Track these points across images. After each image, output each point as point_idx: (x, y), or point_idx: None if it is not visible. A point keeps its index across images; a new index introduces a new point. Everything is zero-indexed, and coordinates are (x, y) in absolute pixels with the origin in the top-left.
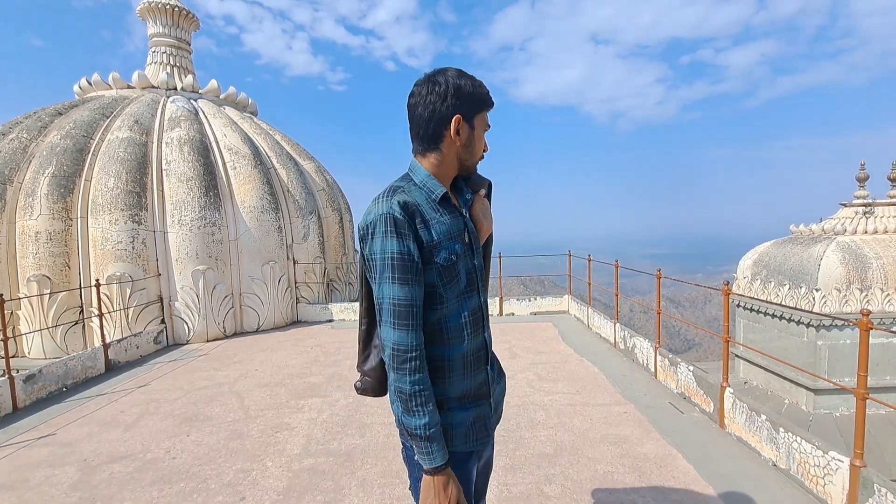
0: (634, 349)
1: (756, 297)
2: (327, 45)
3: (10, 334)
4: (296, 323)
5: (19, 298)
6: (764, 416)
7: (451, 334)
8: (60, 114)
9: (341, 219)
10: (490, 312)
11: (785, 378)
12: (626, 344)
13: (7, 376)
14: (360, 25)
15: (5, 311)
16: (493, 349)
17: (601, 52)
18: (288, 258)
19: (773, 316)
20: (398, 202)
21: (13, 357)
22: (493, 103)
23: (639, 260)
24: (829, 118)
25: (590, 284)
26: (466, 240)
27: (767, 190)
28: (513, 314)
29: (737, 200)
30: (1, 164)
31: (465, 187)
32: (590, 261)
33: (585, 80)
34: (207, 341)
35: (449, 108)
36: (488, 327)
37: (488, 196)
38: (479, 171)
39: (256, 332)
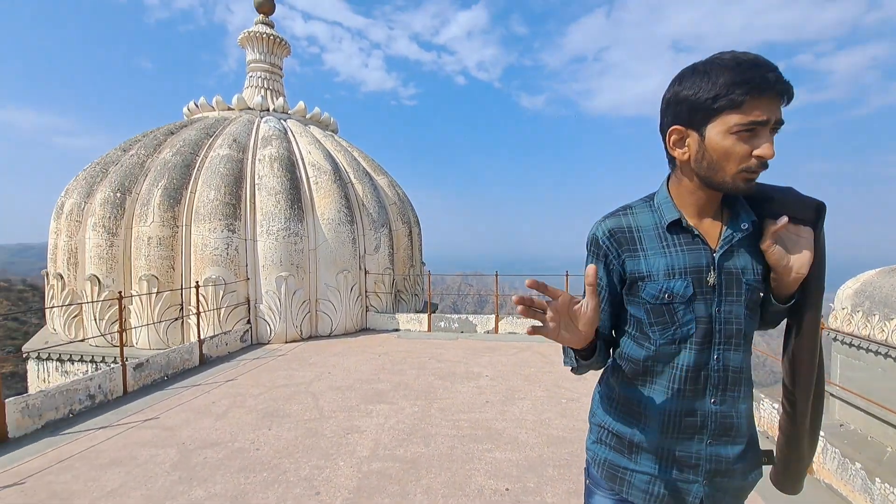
0: None
1: (856, 331)
2: (400, 61)
3: (123, 326)
4: (364, 330)
5: (132, 296)
6: (859, 465)
7: (656, 378)
8: (172, 133)
9: (410, 232)
10: (486, 329)
11: (889, 423)
12: None
13: (120, 364)
14: (432, 41)
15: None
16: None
17: (683, 60)
18: (360, 268)
19: (877, 353)
20: (607, 226)
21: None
22: (742, 100)
23: None
24: None
25: None
26: (710, 280)
27: (877, 209)
28: (514, 333)
29: (840, 220)
30: (122, 177)
31: (747, 212)
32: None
33: (665, 90)
34: (286, 342)
35: (666, 120)
36: (723, 397)
37: (816, 224)
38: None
39: (329, 336)
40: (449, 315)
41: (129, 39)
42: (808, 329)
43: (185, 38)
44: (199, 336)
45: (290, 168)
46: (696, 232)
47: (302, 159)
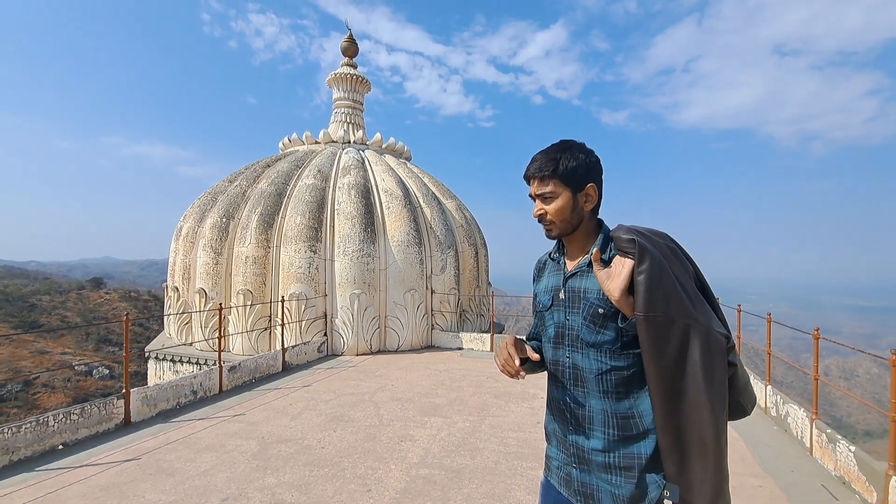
0: (787, 417)
1: None
2: (478, 85)
3: (222, 333)
4: (429, 347)
5: (231, 307)
6: None
7: (549, 372)
8: (268, 165)
9: (476, 253)
10: None
11: None
12: (779, 410)
13: (218, 366)
14: (509, 63)
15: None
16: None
17: (788, 65)
18: (427, 288)
19: None
20: (541, 257)
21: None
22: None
23: (835, 312)
24: None
25: (739, 338)
26: (561, 296)
27: None
28: None
29: None
30: (227, 205)
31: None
32: (739, 311)
33: (766, 98)
34: (357, 355)
35: None
36: (574, 391)
37: (636, 256)
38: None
39: (396, 351)
40: None
41: (238, 79)
42: (651, 378)
43: (284, 76)
44: (282, 345)
45: (366, 194)
46: (562, 262)
47: (376, 186)
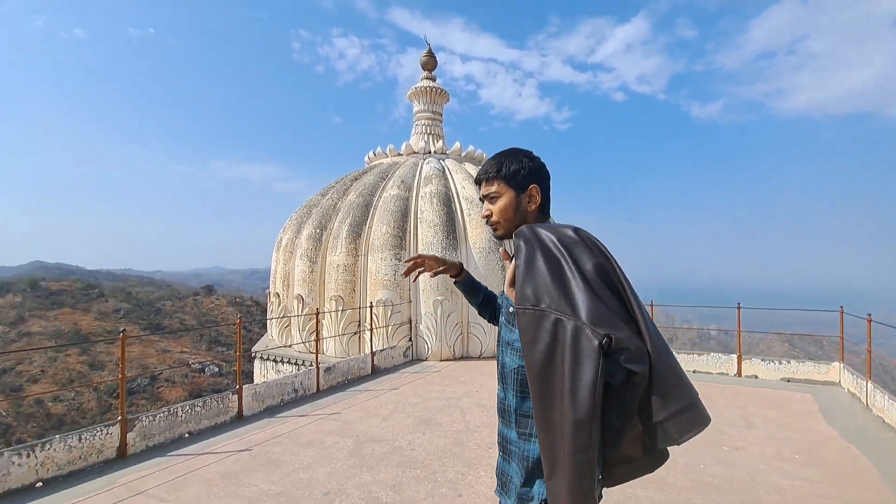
0: None
1: None
2: (553, 86)
3: (318, 337)
4: None
5: (325, 312)
6: None
7: None
8: (356, 179)
9: None
10: (725, 371)
11: None
12: None
13: (315, 367)
14: (587, 61)
15: (319, 321)
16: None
17: None
18: None
19: None
20: None
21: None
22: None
23: None
24: None
25: (870, 352)
26: (500, 299)
27: None
28: (756, 377)
29: None
30: (320, 216)
31: None
32: (870, 322)
33: (887, 77)
34: (440, 360)
35: None
36: (502, 385)
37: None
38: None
39: (479, 358)
40: None
41: (324, 101)
42: (527, 373)
43: (365, 94)
44: (371, 349)
45: (447, 202)
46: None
47: (457, 194)
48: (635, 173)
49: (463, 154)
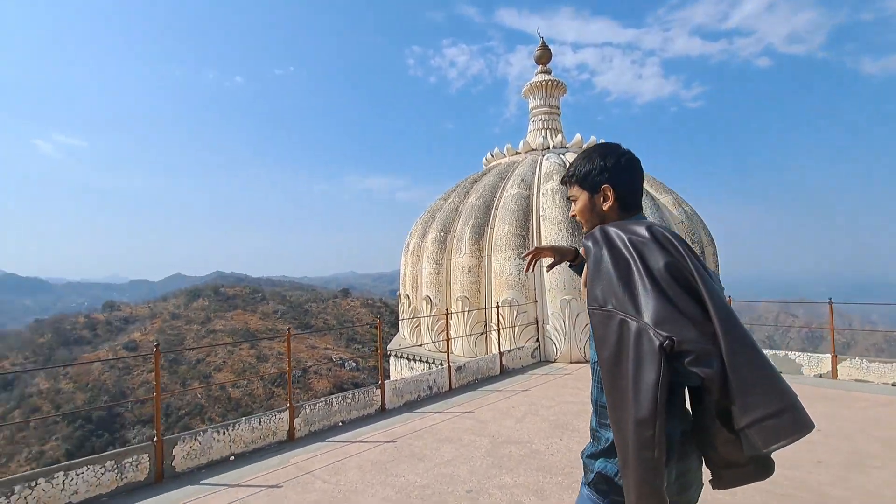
0: None
1: None
2: (679, 62)
3: (448, 336)
4: None
5: (452, 313)
6: None
7: None
8: (476, 181)
9: (703, 252)
10: (818, 372)
11: None
12: None
13: (447, 366)
14: (720, 28)
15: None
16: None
17: None
18: None
19: None
20: None
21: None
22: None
23: None
24: None
25: None
26: None
27: None
28: (864, 381)
29: None
30: (444, 220)
31: None
32: None
33: None
34: (570, 362)
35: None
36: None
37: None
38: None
39: None
40: None
41: (438, 110)
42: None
43: (476, 97)
44: (499, 349)
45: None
46: None
47: None
48: (793, 151)
49: (583, 146)
